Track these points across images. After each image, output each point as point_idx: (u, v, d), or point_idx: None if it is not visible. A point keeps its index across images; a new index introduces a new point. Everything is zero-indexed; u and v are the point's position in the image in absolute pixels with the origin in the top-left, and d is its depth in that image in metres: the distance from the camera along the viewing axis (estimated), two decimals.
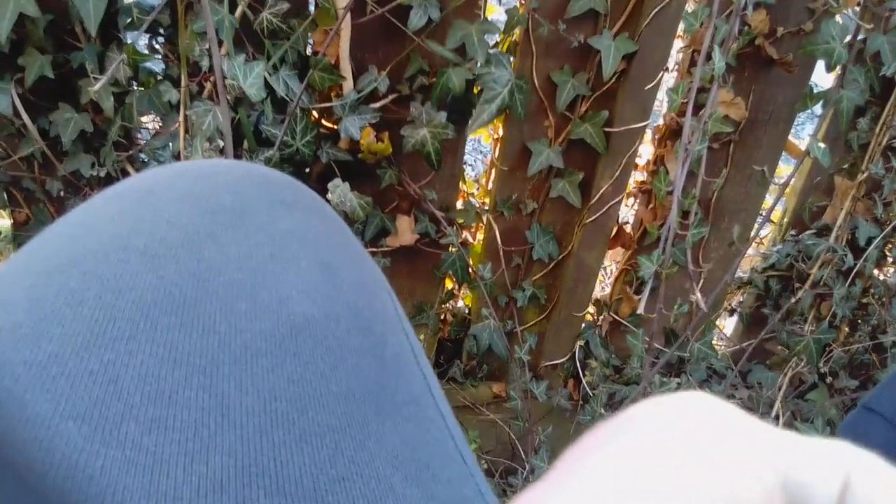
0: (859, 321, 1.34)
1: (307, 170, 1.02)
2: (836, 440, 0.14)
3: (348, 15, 0.90)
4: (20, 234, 1.05)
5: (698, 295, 1.04)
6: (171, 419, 0.26)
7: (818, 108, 1.15)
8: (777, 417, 1.30)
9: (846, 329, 1.36)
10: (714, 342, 1.34)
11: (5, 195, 1.02)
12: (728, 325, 1.53)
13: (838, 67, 1.04)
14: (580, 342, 1.32)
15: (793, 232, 1.29)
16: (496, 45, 1.04)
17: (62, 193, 1.03)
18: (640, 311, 1.12)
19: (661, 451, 0.13)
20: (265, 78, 0.87)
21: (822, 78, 1.21)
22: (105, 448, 0.25)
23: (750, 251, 1.31)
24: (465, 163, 1.13)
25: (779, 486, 0.13)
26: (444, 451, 0.33)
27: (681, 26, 1.04)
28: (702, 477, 0.12)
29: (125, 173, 0.98)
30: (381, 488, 0.28)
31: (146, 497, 0.24)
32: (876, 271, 1.31)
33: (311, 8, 0.95)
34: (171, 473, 0.25)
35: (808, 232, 1.27)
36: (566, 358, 1.33)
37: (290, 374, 0.28)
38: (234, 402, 0.27)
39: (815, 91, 1.10)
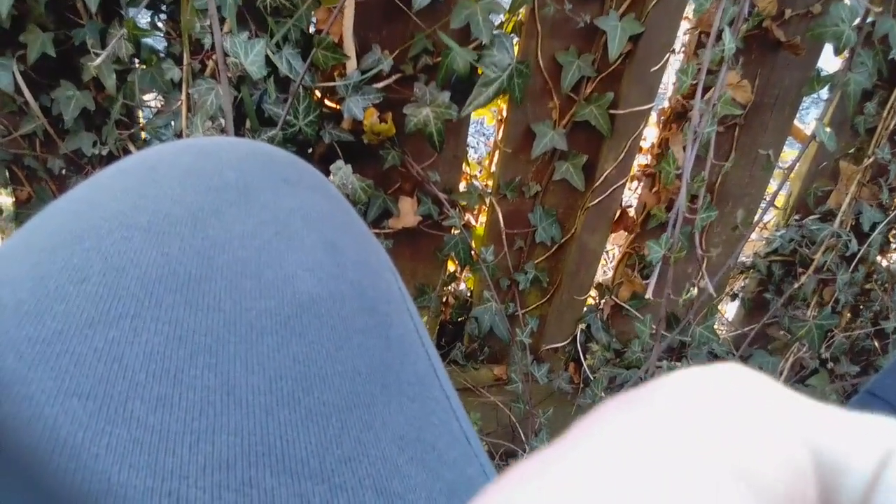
0: (861, 307, 1.33)
1: (310, 150, 1.01)
2: (876, 414, 0.14)
3: None
4: (22, 212, 1.05)
5: (706, 279, 1.03)
6: (177, 398, 0.26)
7: (824, 93, 1.14)
8: None
9: (848, 315, 1.36)
10: (715, 327, 1.34)
11: (7, 173, 1.02)
12: (730, 309, 1.53)
13: (846, 50, 1.03)
14: (581, 326, 1.32)
15: (797, 217, 1.29)
16: (501, 24, 1.03)
17: (64, 171, 1.02)
18: (649, 296, 1.11)
19: (677, 421, 0.12)
20: (268, 56, 0.86)
21: (828, 62, 1.20)
22: (110, 426, 0.25)
23: (753, 236, 1.30)
24: (468, 145, 1.12)
25: (811, 465, 0.13)
26: (449, 431, 0.32)
27: (689, 8, 1.03)
28: (714, 449, 0.12)
29: (127, 152, 0.98)
30: (387, 468, 0.28)
31: (152, 475, 0.24)
32: (879, 257, 1.30)
33: None
34: (176, 452, 0.25)
35: (812, 217, 1.26)
36: (567, 341, 1.33)
37: (296, 353, 0.28)
38: (240, 381, 0.26)
39: (822, 74, 1.09)
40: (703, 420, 0.12)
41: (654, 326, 1.11)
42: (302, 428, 0.27)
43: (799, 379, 1.37)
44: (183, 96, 0.92)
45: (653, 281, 1.10)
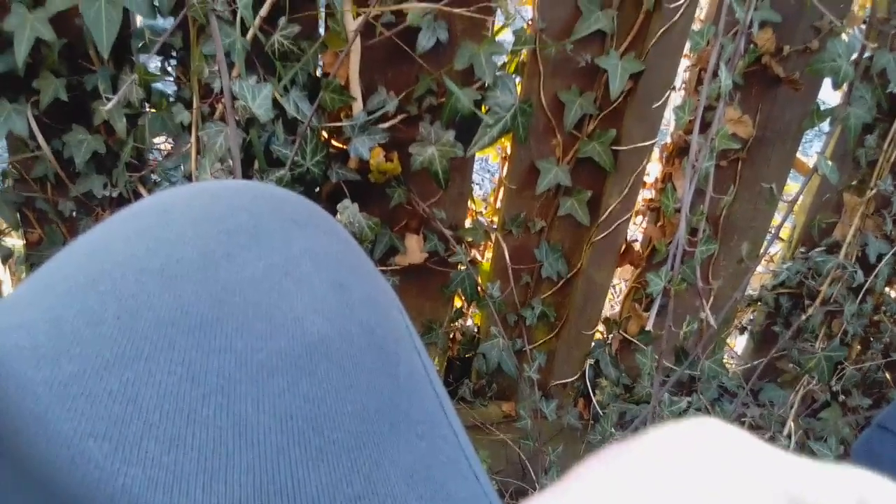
0: (871, 339, 1.33)
1: (317, 190, 1.03)
2: (848, 465, 0.14)
3: (358, 37, 0.91)
4: (32, 254, 1.06)
5: (708, 312, 1.03)
6: (191, 437, 0.26)
7: (826, 126, 1.15)
8: (789, 436, 1.29)
9: (858, 347, 1.35)
10: (725, 360, 1.33)
11: (18, 216, 1.03)
12: (738, 343, 1.52)
13: (845, 85, 1.05)
14: (590, 361, 1.31)
15: (802, 249, 1.29)
16: (504, 65, 1.05)
17: (74, 214, 1.04)
18: (649, 327, 1.11)
19: (666, 469, 0.13)
20: (276, 99, 0.88)
21: (829, 95, 1.21)
22: (126, 466, 0.25)
23: (760, 268, 1.30)
24: (473, 182, 1.14)
25: None
26: (458, 470, 0.33)
27: (687, 45, 1.05)
28: (708, 497, 0.12)
29: (137, 194, 0.99)
30: None
31: None
32: (887, 289, 1.30)
33: (321, 30, 0.96)
34: (190, 492, 0.25)
35: (817, 249, 1.26)
36: (576, 377, 1.32)
37: (306, 392, 0.28)
38: (252, 421, 0.27)
39: (823, 108, 1.10)
40: (690, 470, 0.13)
41: (656, 357, 1.11)
42: (312, 467, 0.27)
43: (811, 412, 1.36)
44: (192, 139, 0.93)
45: (653, 313, 1.10)
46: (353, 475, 0.28)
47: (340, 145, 1.00)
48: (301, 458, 0.27)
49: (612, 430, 1.26)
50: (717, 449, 0.13)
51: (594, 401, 1.31)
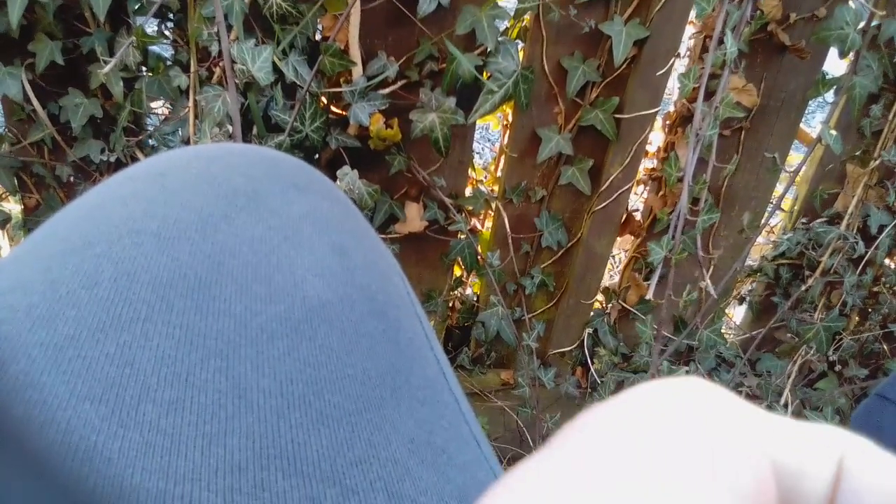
0: (870, 310, 1.33)
1: (316, 156, 1.02)
2: (828, 425, 0.14)
3: (358, 0, 0.89)
4: (30, 219, 1.06)
5: (708, 281, 1.03)
6: (189, 401, 0.26)
7: (830, 96, 1.14)
8: (786, 405, 1.30)
9: (856, 318, 1.36)
10: (723, 330, 1.33)
11: (16, 180, 1.03)
12: (737, 313, 1.53)
13: (851, 54, 1.03)
14: (589, 330, 1.32)
15: (804, 220, 1.28)
16: (506, 31, 1.03)
17: (72, 179, 1.03)
18: (650, 296, 1.11)
19: (645, 430, 0.13)
20: (274, 63, 0.87)
21: (834, 65, 1.20)
22: (123, 430, 0.25)
23: (760, 239, 1.30)
24: (473, 150, 1.13)
25: (770, 471, 0.13)
26: (459, 435, 0.33)
27: (692, 11, 1.03)
28: (684, 455, 0.12)
29: (135, 158, 0.98)
30: (397, 471, 0.28)
31: (164, 479, 0.24)
32: (887, 260, 1.30)
33: None
34: (189, 456, 0.25)
35: (819, 220, 1.26)
36: (574, 346, 1.33)
37: (306, 356, 0.28)
38: (251, 385, 0.27)
39: (828, 78, 1.09)
40: (677, 428, 0.13)
41: (655, 327, 1.11)
42: (313, 431, 0.27)
43: (807, 382, 1.37)
44: (190, 103, 0.92)
45: (653, 282, 1.10)
46: (354, 439, 0.28)
47: (340, 111, 0.99)
48: (301, 421, 0.27)
49: (610, 398, 1.26)
50: (698, 407, 0.14)
51: (592, 369, 1.32)
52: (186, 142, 0.95)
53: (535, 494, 0.12)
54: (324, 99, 0.97)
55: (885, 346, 1.35)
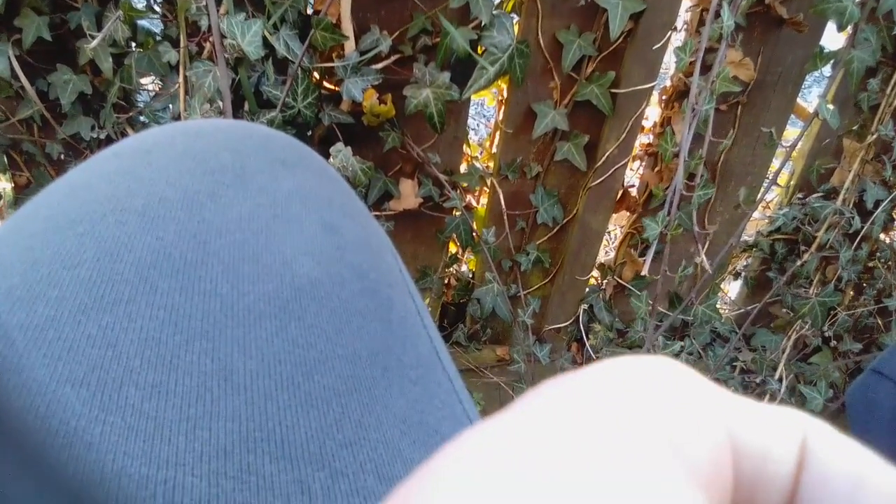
0: (865, 285, 1.33)
1: (309, 133, 1.01)
2: (789, 408, 0.14)
3: None
4: (21, 197, 1.05)
5: (703, 257, 1.03)
6: (173, 384, 0.25)
7: (827, 71, 1.13)
8: (780, 380, 1.31)
9: (851, 293, 1.36)
10: (718, 306, 1.33)
11: (5, 159, 1.02)
12: (732, 289, 1.53)
13: (850, 27, 1.02)
14: (584, 306, 1.32)
15: (800, 195, 1.28)
16: (500, 4, 1.02)
17: (62, 156, 1.02)
18: (645, 272, 1.11)
19: (605, 398, 0.13)
20: (265, 37, 0.85)
21: (832, 39, 1.18)
22: (104, 413, 0.24)
23: (756, 214, 1.30)
24: (468, 126, 1.12)
25: (728, 444, 0.13)
26: (453, 414, 0.32)
27: None
28: (641, 425, 0.12)
29: (125, 136, 0.97)
30: (388, 453, 0.28)
31: (147, 464, 0.24)
32: (883, 235, 1.30)
33: None
34: (172, 440, 0.24)
35: (815, 195, 1.26)
36: (570, 322, 1.33)
37: (295, 337, 0.28)
38: (238, 366, 0.26)
39: (826, 51, 1.08)
40: (636, 400, 0.13)
41: (650, 302, 1.11)
42: (302, 413, 0.26)
43: (802, 357, 1.37)
44: (180, 79, 0.91)
45: (649, 258, 1.10)
46: (344, 420, 0.27)
47: (332, 87, 0.98)
48: (290, 403, 0.26)
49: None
50: (663, 383, 0.13)
51: (587, 345, 1.32)
52: (177, 118, 0.94)
53: (482, 455, 0.12)
54: (316, 74, 0.96)
55: (879, 321, 1.36)
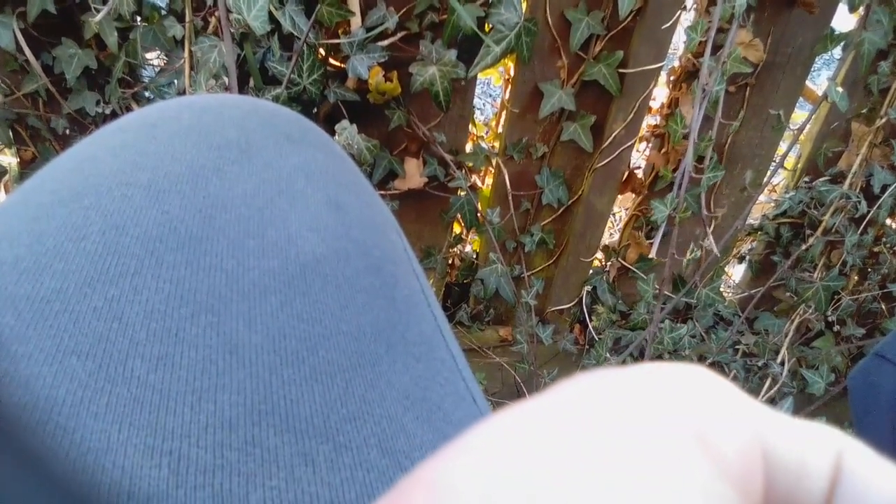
0: (869, 269, 1.33)
1: (315, 110, 1.00)
2: (824, 425, 0.14)
3: None
4: (27, 172, 1.05)
5: (711, 239, 1.03)
6: (178, 357, 0.25)
7: (837, 52, 1.12)
8: (782, 363, 1.31)
9: (856, 277, 1.36)
10: (722, 289, 1.33)
11: (11, 133, 1.02)
12: (737, 272, 1.53)
13: (861, 8, 1.01)
14: (587, 288, 1.32)
15: (806, 178, 1.27)
16: None
17: (68, 131, 1.02)
18: (652, 255, 1.11)
19: (639, 397, 0.13)
20: (271, 13, 0.85)
21: (843, 20, 1.17)
22: (110, 385, 0.24)
23: (762, 198, 1.29)
24: (474, 106, 1.11)
25: (759, 450, 0.13)
26: (455, 391, 0.32)
27: None
28: (674, 424, 0.12)
29: (130, 111, 0.97)
30: (392, 427, 0.28)
31: (152, 434, 0.24)
32: (889, 220, 1.29)
33: None
34: (178, 411, 0.24)
35: (821, 179, 1.25)
36: (573, 303, 1.33)
37: (300, 312, 0.28)
38: (243, 341, 0.26)
39: (836, 33, 1.07)
40: (668, 399, 0.13)
41: (657, 286, 1.11)
42: (306, 387, 0.26)
43: (804, 341, 1.37)
44: (186, 54, 0.90)
45: (657, 240, 1.10)
46: (348, 395, 0.27)
47: (338, 64, 0.97)
48: (294, 378, 0.26)
49: (607, 354, 1.27)
50: (698, 387, 0.13)
51: (590, 326, 1.32)
52: (182, 93, 0.93)
53: (517, 438, 0.12)
54: (322, 51, 0.96)
55: (883, 306, 1.36)
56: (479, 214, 1.16)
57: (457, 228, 1.24)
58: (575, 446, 0.11)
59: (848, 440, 0.14)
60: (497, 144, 1.21)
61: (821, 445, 0.14)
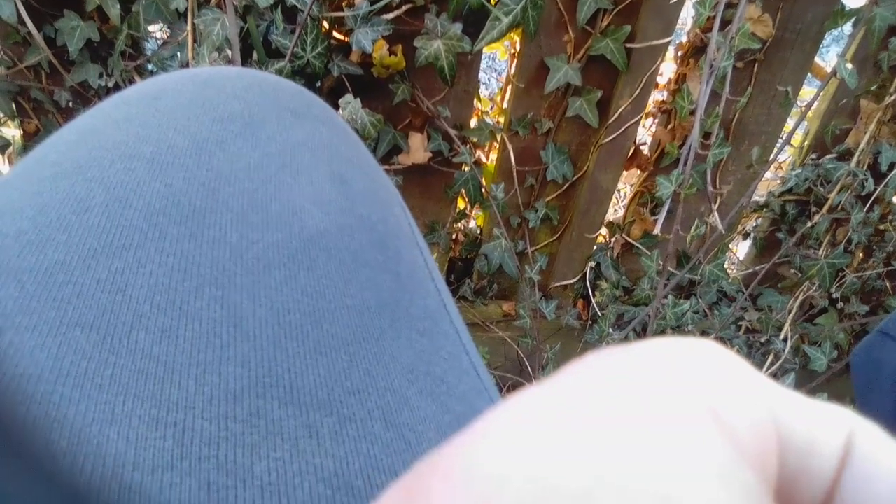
0: (875, 247, 1.32)
1: (318, 84, 1.00)
2: (836, 405, 0.14)
3: None
4: (30, 144, 1.05)
5: (716, 216, 1.02)
6: (182, 329, 0.25)
7: (847, 29, 1.11)
8: (785, 340, 1.31)
9: (861, 255, 1.35)
10: (726, 266, 1.33)
11: (14, 105, 1.01)
12: (741, 249, 1.52)
13: None
14: (591, 263, 1.32)
15: (813, 156, 1.26)
16: None
17: (71, 104, 1.01)
18: (657, 231, 1.11)
19: (653, 372, 0.13)
20: None
21: None
22: (114, 357, 0.24)
23: (768, 174, 1.28)
24: (479, 81, 1.10)
25: (772, 426, 0.13)
26: (459, 365, 0.33)
27: None
28: (690, 399, 0.12)
29: (133, 84, 0.97)
30: (396, 401, 0.28)
31: (157, 406, 0.24)
32: (895, 198, 1.29)
33: None
34: (182, 383, 0.24)
35: (828, 156, 1.24)
36: (576, 279, 1.33)
37: (304, 286, 0.28)
38: (247, 314, 0.26)
39: (847, 9, 1.05)
40: (680, 374, 0.13)
41: (661, 262, 1.11)
42: (310, 360, 0.27)
43: (807, 318, 1.37)
44: (188, 27, 0.90)
45: (661, 217, 1.10)
46: (353, 369, 0.28)
47: (342, 37, 0.96)
48: (298, 351, 0.27)
49: (610, 330, 1.27)
50: (711, 362, 0.13)
51: (593, 302, 1.33)
52: (185, 66, 0.93)
53: (531, 420, 0.12)
54: (325, 24, 0.95)
55: (887, 284, 1.35)
56: (483, 190, 1.16)
57: (461, 204, 1.24)
58: (588, 429, 0.11)
59: (859, 420, 0.14)
60: (502, 120, 1.21)
61: (832, 425, 0.14)
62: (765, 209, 1.34)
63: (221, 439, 0.24)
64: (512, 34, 1.08)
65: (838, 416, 0.14)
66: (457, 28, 0.94)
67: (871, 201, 1.24)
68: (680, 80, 1.15)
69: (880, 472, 0.13)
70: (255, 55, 0.90)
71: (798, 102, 1.18)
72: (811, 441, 0.13)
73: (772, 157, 1.18)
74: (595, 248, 1.31)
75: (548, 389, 0.12)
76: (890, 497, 0.13)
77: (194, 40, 0.89)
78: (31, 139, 1.04)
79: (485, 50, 1.03)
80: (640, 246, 1.27)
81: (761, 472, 0.12)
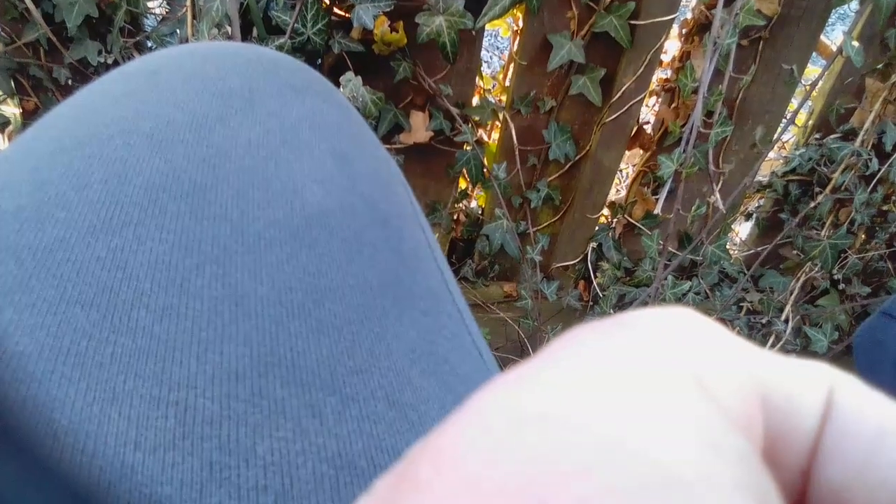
0: (877, 228, 1.32)
1: (319, 61, 0.99)
2: (817, 362, 0.14)
3: None
4: (29, 122, 1.04)
5: (717, 195, 1.02)
6: (184, 307, 0.25)
7: (854, 6, 1.09)
8: (786, 321, 1.31)
9: (863, 236, 1.35)
10: (728, 246, 1.33)
11: (13, 83, 1.00)
12: (743, 229, 1.52)
13: None
14: (593, 244, 1.32)
15: (817, 135, 1.25)
16: None
17: (70, 81, 1.01)
18: (658, 211, 1.10)
19: (638, 343, 0.13)
20: None
21: None
22: (115, 335, 0.24)
23: (771, 154, 1.28)
24: (481, 59, 1.09)
25: (755, 391, 0.13)
26: (461, 345, 0.32)
27: None
28: (676, 368, 0.12)
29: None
30: (398, 380, 0.28)
31: (158, 385, 0.24)
32: None
33: None
34: (184, 362, 0.24)
35: (833, 136, 1.23)
36: (578, 259, 1.33)
37: (306, 265, 0.28)
38: (249, 292, 0.26)
39: None
40: (662, 345, 0.13)
41: (661, 242, 1.11)
42: (313, 339, 0.26)
43: (809, 299, 1.37)
44: (188, 3, 0.89)
45: (662, 196, 1.09)
46: (355, 348, 0.27)
47: (343, 13, 0.95)
48: (300, 330, 0.26)
49: (611, 311, 1.27)
50: (694, 331, 0.13)
51: (595, 283, 1.32)
52: (185, 42, 0.92)
53: (517, 403, 0.11)
54: (326, 0, 0.94)
55: (890, 265, 1.35)
56: (485, 169, 1.15)
57: (462, 183, 1.23)
58: (578, 409, 0.11)
59: (838, 374, 0.14)
60: (504, 98, 1.20)
61: (811, 381, 0.14)
62: (768, 189, 1.33)
63: (224, 418, 0.24)
64: (515, 10, 1.07)
65: (818, 372, 0.14)
66: (459, 4, 0.93)
67: (874, 182, 1.23)
68: (684, 57, 1.14)
69: (861, 423, 0.13)
70: (255, 31, 0.89)
71: (803, 81, 1.17)
72: (792, 399, 0.14)
73: (776, 136, 1.17)
74: (597, 228, 1.31)
75: (534, 369, 0.12)
76: (871, 446, 0.13)
77: (194, 16, 0.88)
78: (30, 117, 1.04)
79: (487, 27, 1.02)
80: (641, 226, 1.27)
81: (749, 436, 0.12)
